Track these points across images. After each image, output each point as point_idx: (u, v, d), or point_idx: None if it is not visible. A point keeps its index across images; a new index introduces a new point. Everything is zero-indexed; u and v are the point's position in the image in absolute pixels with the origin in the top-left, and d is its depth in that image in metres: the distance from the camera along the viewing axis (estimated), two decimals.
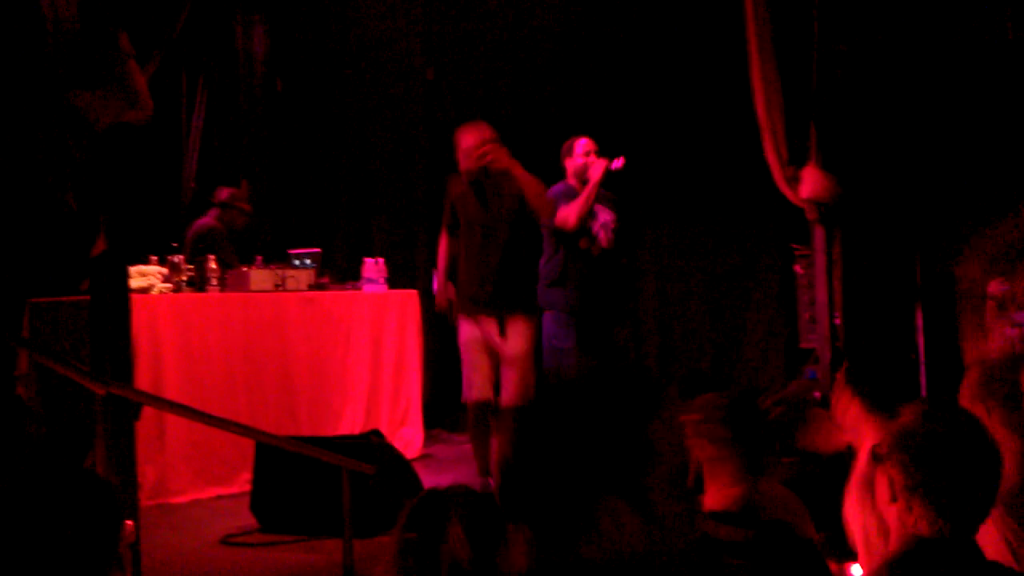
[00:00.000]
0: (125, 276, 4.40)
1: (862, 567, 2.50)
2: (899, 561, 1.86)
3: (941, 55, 5.79)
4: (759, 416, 2.45)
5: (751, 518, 2.26)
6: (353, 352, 6.15)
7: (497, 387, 5.18)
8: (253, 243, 7.16)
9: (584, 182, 5.55)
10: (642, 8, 7.93)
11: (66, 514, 1.71)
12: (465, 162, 5.15)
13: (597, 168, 5.59)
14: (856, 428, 2.65)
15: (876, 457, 1.96)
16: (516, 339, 5.14)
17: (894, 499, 1.88)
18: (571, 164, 5.70)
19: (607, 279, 5.70)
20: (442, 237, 5.37)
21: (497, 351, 5.14)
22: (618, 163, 6.08)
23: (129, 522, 1.79)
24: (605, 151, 8.26)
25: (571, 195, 5.54)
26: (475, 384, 5.13)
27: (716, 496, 2.36)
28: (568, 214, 5.45)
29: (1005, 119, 5.67)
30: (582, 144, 6.04)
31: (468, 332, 5.18)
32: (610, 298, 5.80)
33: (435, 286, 5.56)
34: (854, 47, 5.73)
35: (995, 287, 6.11)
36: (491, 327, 5.14)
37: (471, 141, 5.14)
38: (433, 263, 5.76)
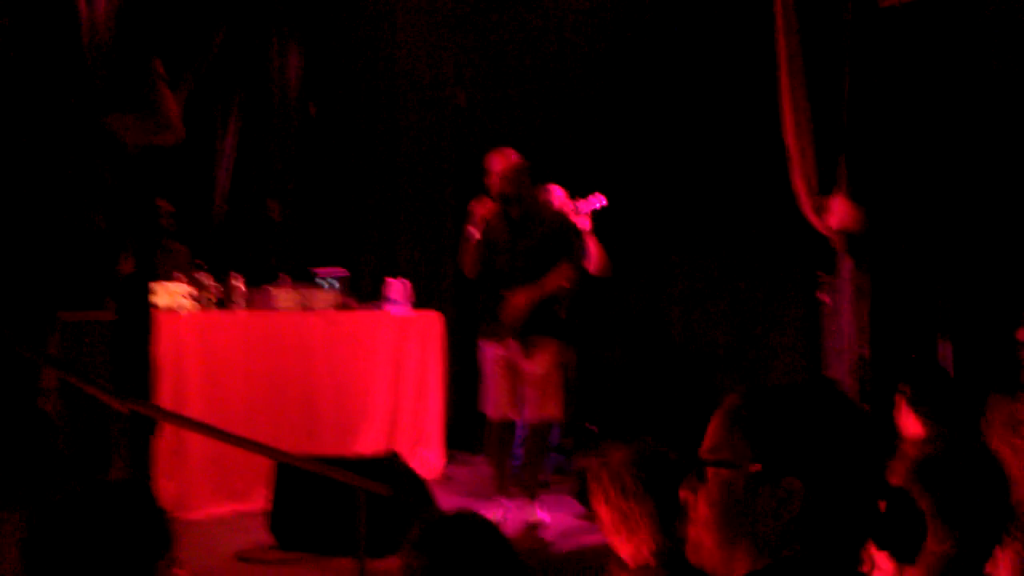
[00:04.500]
0: (149, 295, 4.48)
1: None
2: None
3: (975, 87, 5.76)
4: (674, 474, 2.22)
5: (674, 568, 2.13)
6: (376, 373, 6.19)
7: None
8: (280, 263, 7.24)
9: None
10: (673, 35, 7.96)
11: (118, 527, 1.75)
12: (499, 185, 5.20)
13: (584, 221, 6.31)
14: None
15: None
16: (541, 360, 5.19)
17: None
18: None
19: None
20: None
21: (522, 372, 5.18)
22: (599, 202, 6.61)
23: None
24: (636, 177, 8.31)
25: None
26: (499, 403, 5.18)
27: (634, 549, 2.19)
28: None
29: None
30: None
31: (494, 353, 5.23)
32: None
33: None
34: (885, 77, 5.72)
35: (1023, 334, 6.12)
36: (516, 349, 5.19)
37: (502, 165, 5.21)
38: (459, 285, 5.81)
